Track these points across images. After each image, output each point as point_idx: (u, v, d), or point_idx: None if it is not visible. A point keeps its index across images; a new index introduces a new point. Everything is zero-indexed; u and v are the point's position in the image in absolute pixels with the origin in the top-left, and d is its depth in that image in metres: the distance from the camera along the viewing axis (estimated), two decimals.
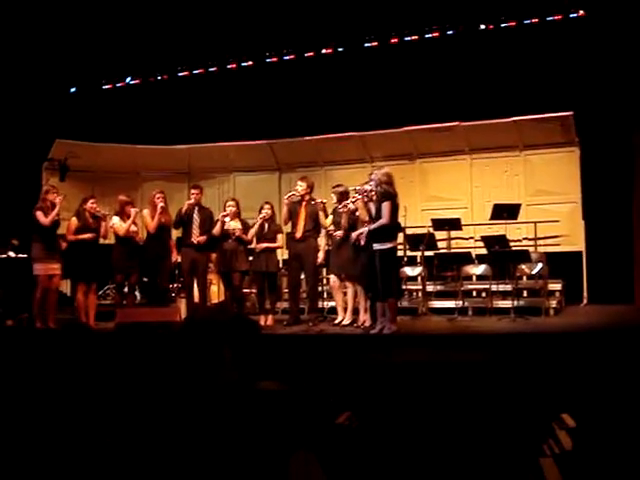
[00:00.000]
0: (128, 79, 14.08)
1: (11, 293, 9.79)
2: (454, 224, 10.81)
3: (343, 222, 9.04)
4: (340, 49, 12.88)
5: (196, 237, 9.59)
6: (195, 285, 9.85)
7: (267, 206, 9.63)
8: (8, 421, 2.75)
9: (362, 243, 8.35)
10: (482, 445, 3.25)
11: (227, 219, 9.48)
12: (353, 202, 8.77)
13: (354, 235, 8.72)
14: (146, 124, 13.33)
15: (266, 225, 9.53)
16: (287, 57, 13.21)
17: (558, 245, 10.85)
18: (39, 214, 9.13)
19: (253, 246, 9.61)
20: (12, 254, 10.13)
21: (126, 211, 9.66)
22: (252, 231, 9.52)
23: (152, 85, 14.01)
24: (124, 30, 12.40)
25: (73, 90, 14.09)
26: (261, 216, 9.54)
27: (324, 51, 12.95)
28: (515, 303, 9.36)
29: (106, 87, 14.17)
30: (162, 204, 9.63)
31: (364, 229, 8.37)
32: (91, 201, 9.54)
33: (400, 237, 9.55)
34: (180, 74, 13.86)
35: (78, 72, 13.57)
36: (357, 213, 8.78)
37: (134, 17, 12.10)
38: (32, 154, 12.22)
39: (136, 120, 13.40)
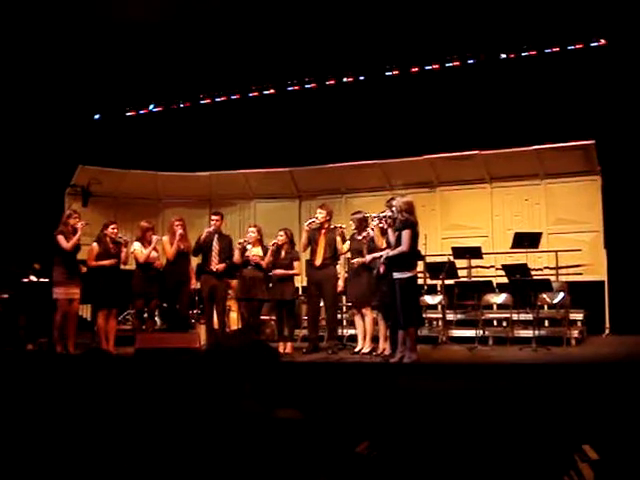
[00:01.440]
0: (151, 106, 14.24)
1: (33, 317, 9.82)
2: (475, 252, 10.77)
3: (364, 251, 9.02)
4: (361, 77, 12.96)
5: (215, 265, 9.60)
6: (214, 311, 9.84)
7: (281, 233, 9.49)
8: (27, 444, 2.75)
9: (382, 271, 8.31)
10: (503, 477, 3.20)
11: (249, 246, 9.47)
12: (372, 230, 8.79)
13: (369, 257, 8.73)
14: (168, 151, 13.45)
15: (283, 252, 9.43)
16: (309, 85, 13.31)
17: (580, 274, 10.76)
18: (60, 238, 9.19)
19: (271, 273, 9.58)
20: (34, 278, 10.18)
21: (147, 237, 9.71)
22: (266, 259, 9.44)
23: (175, 112, 14.16)
24: (148, 58, 12.55)
25: (97, 117, 14.27)
26: (273, 242, 9.45)
27: (345, 79, 13.03)
28: (536, 333, 9.26)
29: (129, 114, 14.34)
30: (181, 231, 9.66)
31: (380, 253, 8.38)
32: (112, 227, 9.57)
33: (420, 265, 9.52)
34: (202, 102, 14.00)
35: (102, 99, 13.75)
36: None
37: (157, 45, 12.24)
38: (55, 179, 12.35)
39: (159, 147, 13.52)
